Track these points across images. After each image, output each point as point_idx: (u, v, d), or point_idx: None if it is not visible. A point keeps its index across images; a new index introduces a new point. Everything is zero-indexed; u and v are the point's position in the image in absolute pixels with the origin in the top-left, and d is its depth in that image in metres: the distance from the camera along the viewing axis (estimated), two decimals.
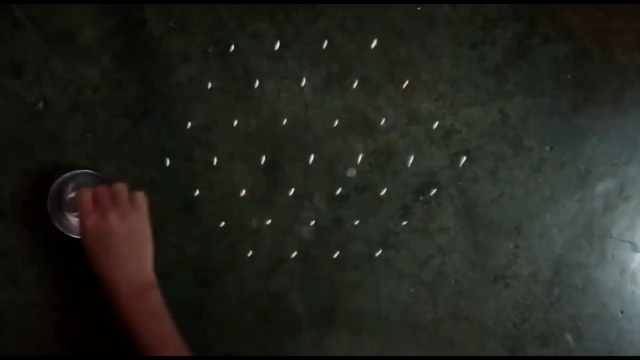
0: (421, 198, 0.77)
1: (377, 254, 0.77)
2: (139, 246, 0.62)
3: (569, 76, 0.77)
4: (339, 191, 0.76)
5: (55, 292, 0.73)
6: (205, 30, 0.75)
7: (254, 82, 0.75)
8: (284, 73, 0.76)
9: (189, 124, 0.75)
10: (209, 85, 0.75)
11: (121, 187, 0.64)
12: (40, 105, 0.74)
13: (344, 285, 0.77)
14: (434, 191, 0.77)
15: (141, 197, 0.65)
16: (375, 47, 0.76)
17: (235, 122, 0.76)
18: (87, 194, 0.62)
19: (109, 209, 0.61)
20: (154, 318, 0.60)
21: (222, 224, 0.76)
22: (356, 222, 0.77)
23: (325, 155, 0.76)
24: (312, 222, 0.77)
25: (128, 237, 0.61)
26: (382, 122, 0.76)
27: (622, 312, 0.79)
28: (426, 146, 0.77)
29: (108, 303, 0.60)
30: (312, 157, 0.75)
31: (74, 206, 0.65)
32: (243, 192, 0.76)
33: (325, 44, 0.76)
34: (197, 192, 0.76)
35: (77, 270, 0.69)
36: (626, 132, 0.78)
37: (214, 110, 0.75)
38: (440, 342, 0.78)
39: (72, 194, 0.68)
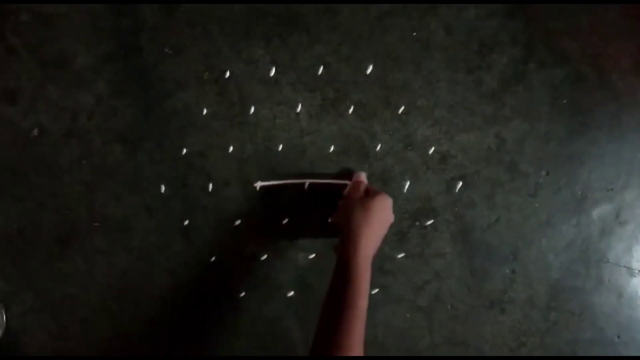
0: (417, 223, 0.77)
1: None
2: (384, 231, 0.68)
3: (565, 101, 0.77)
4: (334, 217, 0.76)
5: None
6: (201, 56, 0.75)
7: (249, 108, 0.75)
8: (280, 99, 0.76)
9: (184, 150, 0.75)
10: (204, 111, 0.75)
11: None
12: (35, 131, 0.74)
13: None
14: (430, 216, 0.77)
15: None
16: (371, 72, 0.76)
17: (231, 148, 0.75)
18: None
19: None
20: (367, 286, 0.63)
21: (217, 250, 0.76)
22: None
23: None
24: (308, 248, 0.76)
25: (384, 219, 0.68)
26: (378, 147, 0.76)
27: (618, 336, 0.79)
28: (422, 171, 0.77)
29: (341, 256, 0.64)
30: (307, 183, 0.75)
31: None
32: (238, 219, 0.75)
33: (321, 69, 0.76)
34: (192, 218, 0.76)
35: None
36: (622, 157, 0.78)
37: (209, 136, 0.75)
38: None
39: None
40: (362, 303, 0.61)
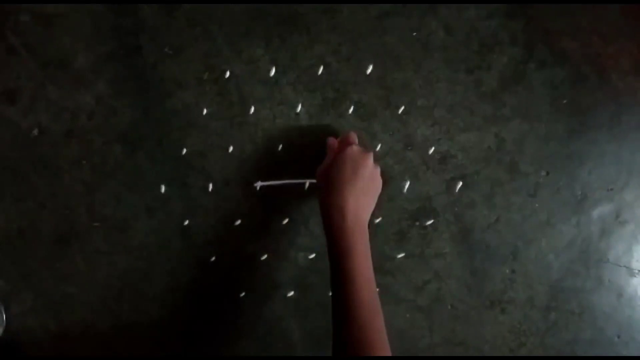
0: (417, 223, 0.77)
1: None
2: (375, 192, 0.67)
3: (565, 101, 0.77)
4: None
5: None
6: (201, 56, 0.75)
7: (250, 108, 0.75)
8: (280, 99, 0.76)
9: (184, 150, 0.75)
10: (204, 111, 0.75)
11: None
12: (35, 131, 0.74)
13: None
14: (430, 216, 0.77)
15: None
16: (371, 72, 0.76)
17: (231, 148, 0.75)
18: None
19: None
20: (366, 253, 0.61)
21: (217, 250, 0.76)
22: None
23: None
24: (308, 248, 0.76)
25: (372, 179, 0.66)
26: (378, 147, 0.76)
27: (618, 336, 0.79)
28: (422, 171, 0.77)
29: (330, 227, 0.61)
30: (307, 183, 0.75)
31: None
32: (238, 219, 0.75)
33: (321, 69, 0.75)
34: (192, 218, 0.76)
35: None
36: (622, 157, 0.78)
37: (209, 136, 0.75)
38: None
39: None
40: (361, 280, 0.57)
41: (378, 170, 0.69)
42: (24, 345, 0.76)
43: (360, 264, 0.59)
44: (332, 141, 0.71)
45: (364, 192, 0.64)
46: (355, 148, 0.66)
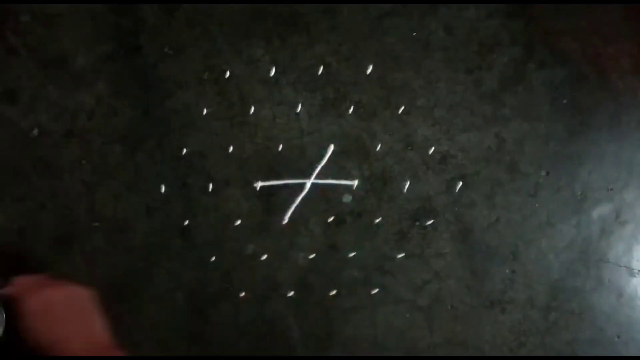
0: (417, 223, 0.77)
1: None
2: (83, 312, 0.58)
3: (565, 101, 0.77)
4: (334, 217, 0.76)
5: None
6: (201, 56, 0.75)
7: (250, 108, 0.75)
8: (280, 99, 0.76)
9: (184, 150, 0.75)
10: (204, 111, 0.75)
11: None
12: (35, 131, 0.74)
13: (339, 310, 0.77)
14: (430, 216, 0.77)
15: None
16: (371, 72, 0.76)
17: (231, 148, 0.75)
18: (18, 283, 0.58)
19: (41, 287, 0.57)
20: None
21: (217, 250, 0.76)
22: (352, 248, 0.77)
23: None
24: (308, 248, 0.76)
25: (69, 306, 0.57)
26: (378, 147, 0.76)
27: (618, 336, 0.79)
28: (422, 171, 0.77)
29: None
30: (307, 183, 0.75)
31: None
32: (238, 219, 0.75)
33: (321, 69, 0.76)
34: (192, 218, 0.76)
35: None
36: (622, 157, 0.78)
37: (209, 136, 0.75)
38: None
39: None
40: None
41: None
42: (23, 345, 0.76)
43: None
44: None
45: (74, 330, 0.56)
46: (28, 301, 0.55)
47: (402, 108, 0.76)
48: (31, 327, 0.55)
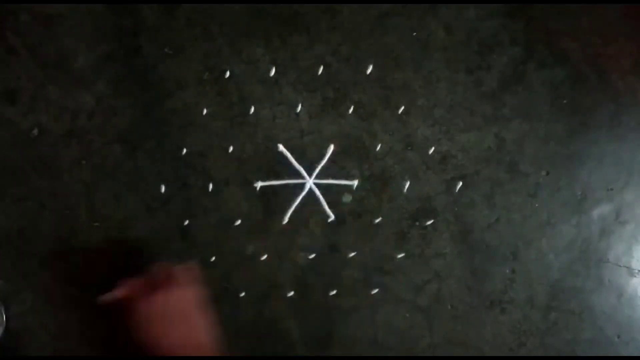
0: (417, 223, 0.77)
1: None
2: (187, 316, 0.61)
3: (565, 101, 0.77)
4: (334, 217, 0.76)
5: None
6: (201, 56, 0.75)
7: (249, 108, 0.75)
8: (280, 99, 0.76)
9: (184, 150, 0.75)
10: (204, 111, 0.75)
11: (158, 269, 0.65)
12: (35, 131, 0.74)
13: (339, 311, 0.77)
14: (430, 216, 0.77)
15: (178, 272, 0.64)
16: (371, 72, 0.76)
17: (231, 148, 0.75)
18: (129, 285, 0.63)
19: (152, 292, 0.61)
20: None
21: (217, 250, 0.76)
22: (352, 248, 0.77)
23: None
24: (308, 248, 0.76)
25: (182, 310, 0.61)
26: (378, 147, 0.76)
27: (618, 336, 0.79)
28: (422, 171, 0.77)
29: None
30: (307, 183, 0.75)
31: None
32: (238, 219, 0.75)
33: (321, 69, 0.76)
34: (192, 218, 0.76)
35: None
36: (622, 157, 0.78)
37: (209, 136, 0.75)
38: None
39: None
40: None
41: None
42: (24, 345, 0.76)
43: None
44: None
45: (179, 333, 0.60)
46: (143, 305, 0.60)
47: (402, 108, 0.76)
48: (148, 331, 0.58)
